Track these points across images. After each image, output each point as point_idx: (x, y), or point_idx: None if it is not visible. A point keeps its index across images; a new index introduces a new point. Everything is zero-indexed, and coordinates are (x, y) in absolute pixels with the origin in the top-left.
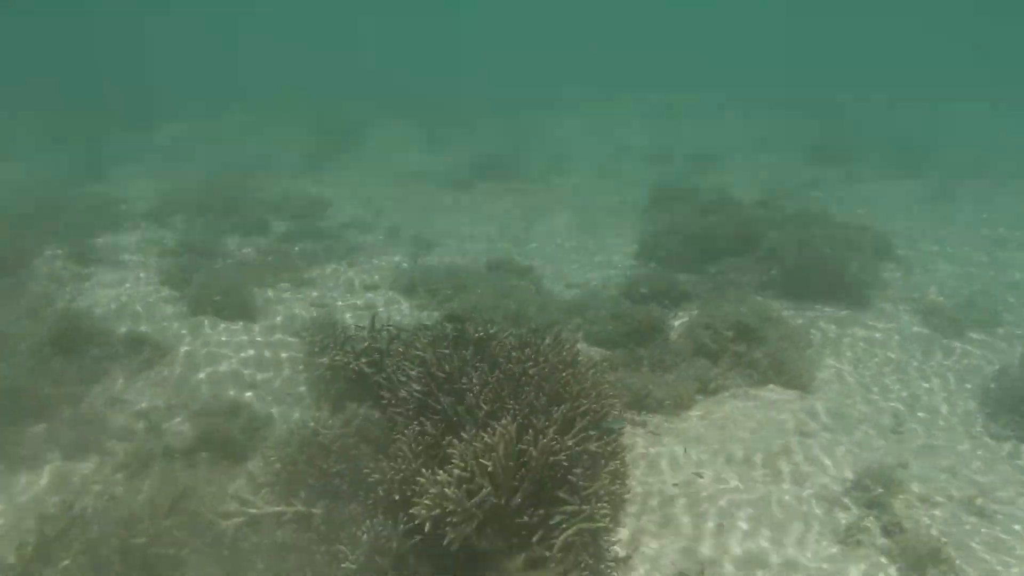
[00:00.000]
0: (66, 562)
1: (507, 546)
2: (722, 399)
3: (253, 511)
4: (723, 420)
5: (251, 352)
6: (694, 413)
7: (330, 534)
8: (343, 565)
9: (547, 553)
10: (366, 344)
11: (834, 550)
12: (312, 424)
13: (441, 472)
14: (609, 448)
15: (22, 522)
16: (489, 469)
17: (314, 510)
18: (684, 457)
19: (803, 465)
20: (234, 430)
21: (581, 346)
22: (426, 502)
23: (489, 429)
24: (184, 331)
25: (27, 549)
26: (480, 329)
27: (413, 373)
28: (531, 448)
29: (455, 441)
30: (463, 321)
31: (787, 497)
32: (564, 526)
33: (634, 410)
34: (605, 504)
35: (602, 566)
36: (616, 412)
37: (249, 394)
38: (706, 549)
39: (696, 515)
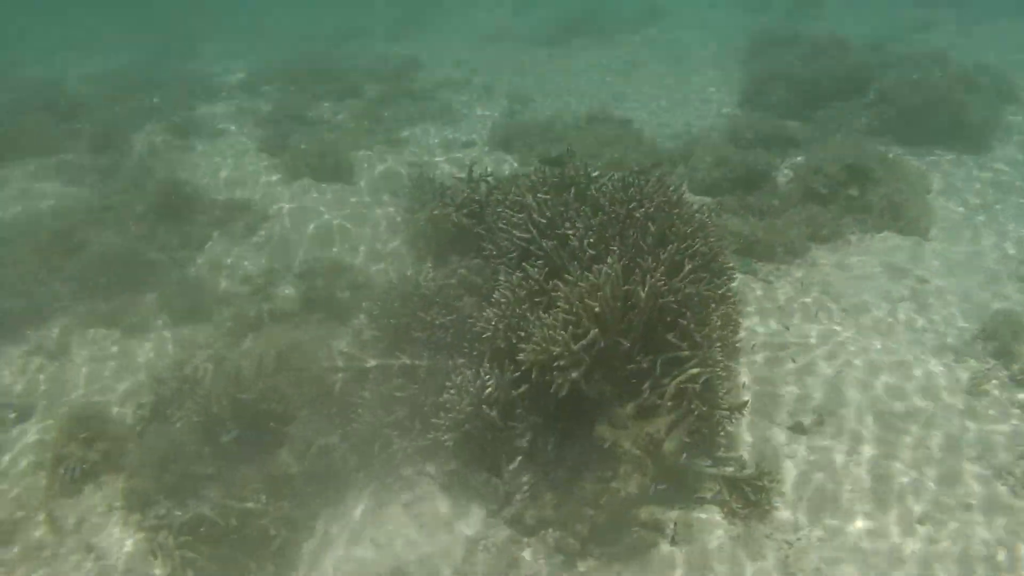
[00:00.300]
0: (179, 422)
1: (616, 393)
2: (835, 246)
3: (359, 365)
4: (837, 267)
5: (350, 213)
6: (806, 260)
7: (436, 386)
8: (450, 415)
9: (658, 401)
10: (464, 195)
11: (960, 403)
12: (414, 277)
13: (546, 315)
14: (720, 292)
15: (138, 385)
16: (596, 310)
17: (419, 362)
18: (798, 305)
19: (923, 313)
20: (336, 289)
21: (686, 194)
22: (532, 347)
23: (595, 269)
24: (283, 195)
25: (144, 409)
26: (581, 172)
27: (514, 220)
28: (639, 289)
29: (559, 284)
30: (562, 164)
31: (907, 346)
32: (675, 372)
33: (744, 256)
34: (717, 349)
35: (715, 414)
36: (726, 256)
37: (350, 254)
38: (820, 396)
39: (809, 363)
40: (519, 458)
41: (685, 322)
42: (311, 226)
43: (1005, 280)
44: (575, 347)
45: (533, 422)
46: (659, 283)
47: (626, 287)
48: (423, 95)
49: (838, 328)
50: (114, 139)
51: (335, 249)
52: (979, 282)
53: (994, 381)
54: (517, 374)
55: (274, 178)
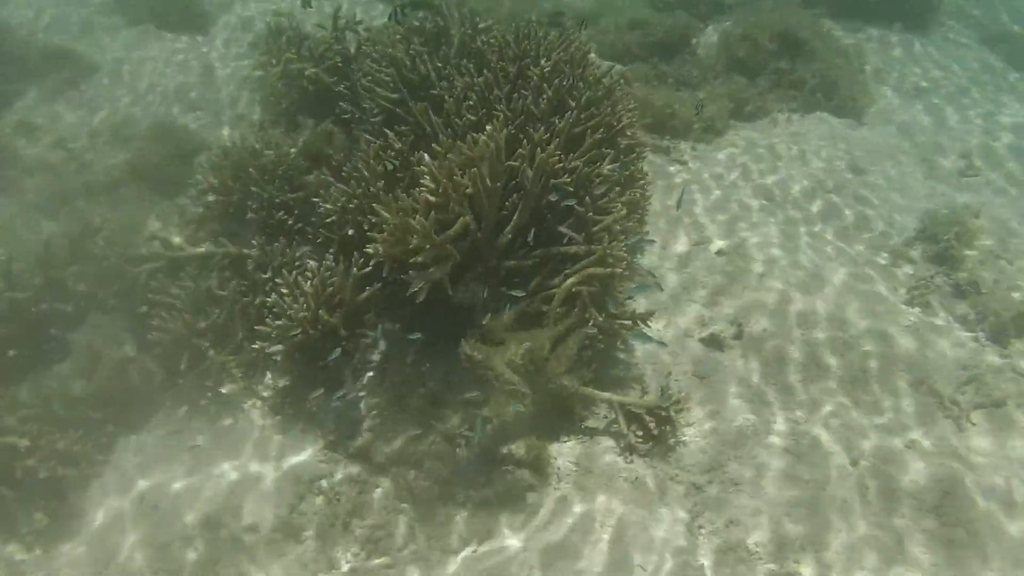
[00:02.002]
0: None
1: (492, 298)
2: (761, 125)
3: (173, 254)
4: (761, 149)
5: (196, 67)
6: (726, 139)
7: (265, 280)
8: (277, 323)
9: (544, 307)
10: (325, 46)
11: (902, 314)
12: (254, 144)
13: (404, 196)
14: (627, 173)
15: None
16: (469, 191)
17: (249, 251)
18: (711, 190)
19: (856, 208)
20: (169, 158)
21: (592, 55)
22: (385, 236)
23: (471, 138)
24: (116, 44)
25: None
26: (466, 22)
27: (381, 77)
28: (525, 166)
29: (425, 156)
30: (429, 5)
31: (840, 247)
32: (566, 272)
33: (655, 134)
34: (620, 244)
35: (615, 324)
36: (636, 130)
37: (192, 117)
38: (738, 304)
39: (729, 265)
40: (368, 375)
41: (582, 209)
42: (146, 82)
43: (946, 174)
44: (438, 239)
45: (386, 332)
46: (552, 159)
47: (510, 163)
48: None
49: (750, 232)
50: None
51: (175, 110)
52: (920, 174)
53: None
54: (367, 270)
55: (108, 21)
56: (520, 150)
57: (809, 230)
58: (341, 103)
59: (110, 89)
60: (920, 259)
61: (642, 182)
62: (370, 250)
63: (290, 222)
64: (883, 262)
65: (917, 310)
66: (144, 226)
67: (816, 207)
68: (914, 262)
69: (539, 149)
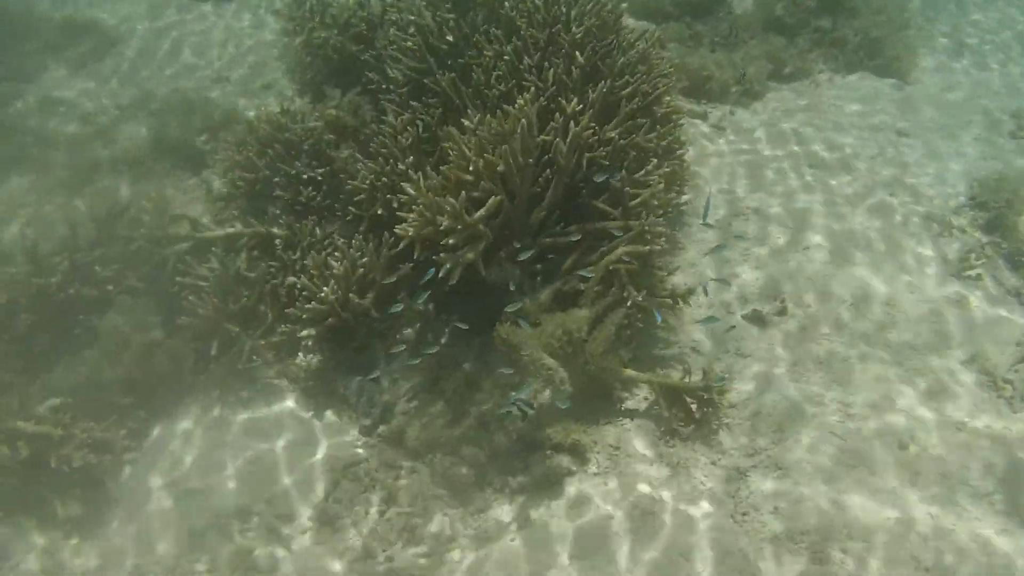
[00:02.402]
0: None
1: (527, 277)
2: (801, 87)
3: (200, 234)
4: (803, 112)
5: (222, 36)
6: (766, 103)
7: (294, 261)
8: (308, 306)
9: (581, 286)
10: (350, 13)
11: (948, 287)
12: (279, 118)
13: (434, 173)
14: (664, 143)
15: None
16: (500, 168)
17: (276, 230)
18: (751, 161)
19: (902, 173)
20: (194, 131)
21: (625, 17)
22: (413, 216)
23: (500, 113)
24: (139, 13)
25: None
26: None
27: (407, 45)
28: (559, 140)
29: (453, 131)
30: None
31: (884, 215)
32: (604, 249)
33: (692, 98)
34: (659, 220)
35: (654, 303)
36: (673, 97)
37: (218, 89)
38: (786, 281)
39: (770, 234)
40: (401, 353)
41: (618, 184)
42: (170, 53)
43: (998, 135)
44: (470, 219)
45: (420, 312)
46: (586, 131)
47: (543, 137)
48: None
49: (813, 191)
50: None
51: (201, 81)
52: (969, 136)
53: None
54: (398, 249)
55: None
56: (552, 123)
57: (851, 197)
58: (367, 72)
59: (134, 61)
60: (970, 227)
61: (680, 151)
62: (399, 231)
63: (318, 198)
64: (932, 231)
65: (967, 281)
66: (171, 204)
67: (860, 174)
68: (964, 231)
69: (572, 122)
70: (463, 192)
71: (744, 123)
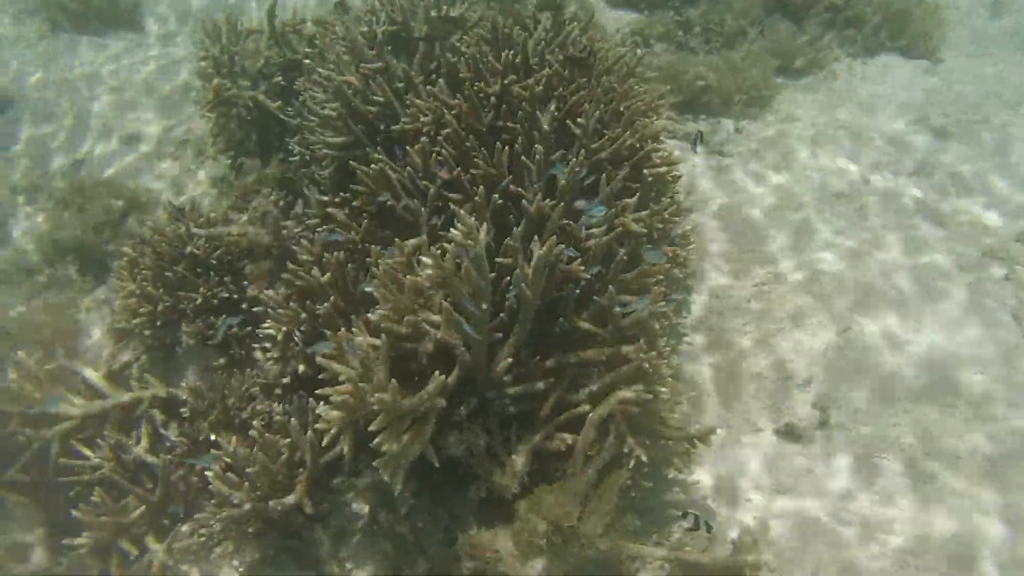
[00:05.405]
0: None
1: (500, 442)
2: (815, 81)
3: (85, 411)
4: (820, 112)
5: (135, 79)
6: (778, 109)
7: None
8: (220, 515)
9: (562, 445)
10: (264, 58)
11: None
12: (176, 228)
13: (360, 333)
14: (660, 222)
15: None
16: (439, 336)
17: (180, 392)
18: (756, 200)
19: (947, 190)
20: (90, 226)
21: (600, 5)
22: (337, 397)
23: (435, 252)
24: (33, 63)
25: None
26: (433, 6)
27: (324, 111)
28: (522, 262)
29: (375, 267)
30: None
31: (926, 249)
32: (592, 388)
33: (687, 114)
34: (663, 345)
35: (664, 451)
36: (660, 143)
37: (130, 153)
38: (814, 383)
39: (799, 311)
40: (354, 540)
41: (604, 302)
42: (75, 110)
43: None
44: (407, 404)
45: (373, 483)
46: (557, 250)
47: (500, 259)
48: None
49: (834, 220)
50: None
51: (112, 145)
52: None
53: None
54: (328, 437)
55: (17, 31)
56: (509, 240)
57: (881, 235)
58: (287, 139)
59: (31, 127)
60: None
61: (681, 226)
62: (323, 417)
63: (235, 329)
64: (993, 268)
65: None
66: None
67: (894, 192)
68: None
69: (540, 242)
70: (393, 353)
71: (748, 138)
